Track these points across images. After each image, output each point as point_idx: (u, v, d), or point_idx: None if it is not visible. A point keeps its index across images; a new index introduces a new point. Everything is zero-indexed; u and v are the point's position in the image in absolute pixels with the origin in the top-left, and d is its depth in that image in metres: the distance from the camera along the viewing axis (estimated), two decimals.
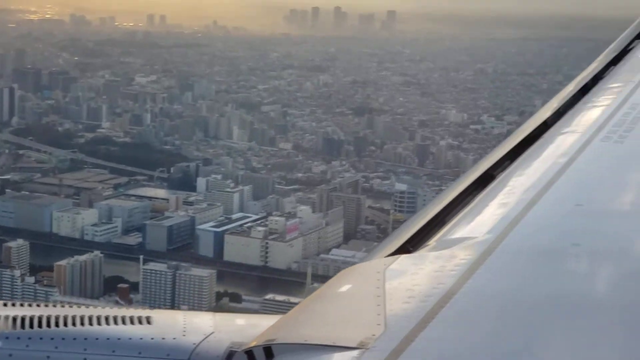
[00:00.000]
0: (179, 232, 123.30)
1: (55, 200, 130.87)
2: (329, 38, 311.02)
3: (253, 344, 4.31)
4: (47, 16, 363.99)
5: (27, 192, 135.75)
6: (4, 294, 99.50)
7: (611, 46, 10.88)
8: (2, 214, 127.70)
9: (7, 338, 4.73)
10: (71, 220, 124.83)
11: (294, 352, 3.93)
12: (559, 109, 7.63)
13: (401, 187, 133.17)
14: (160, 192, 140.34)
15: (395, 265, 4.34)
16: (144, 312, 5.04)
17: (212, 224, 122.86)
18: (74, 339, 4.75)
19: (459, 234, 4.76)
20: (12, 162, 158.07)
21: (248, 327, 4.86)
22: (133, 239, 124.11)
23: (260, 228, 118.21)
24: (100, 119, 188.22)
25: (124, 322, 4.87)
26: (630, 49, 10.37)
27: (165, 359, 4.72)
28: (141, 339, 4.79)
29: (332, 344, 3.79)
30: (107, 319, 4.89)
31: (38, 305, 5.04)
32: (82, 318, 4.88)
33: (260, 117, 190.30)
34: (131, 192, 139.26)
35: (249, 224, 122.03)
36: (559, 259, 4.26)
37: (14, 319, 4.81)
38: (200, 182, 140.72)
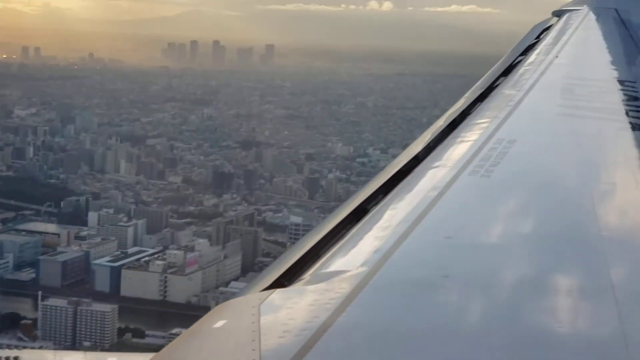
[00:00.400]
0: (73, 267, 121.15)
1: None
2: (209, 71, 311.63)
3: None
4: None
5: None
6: None
7: (478, 83, 11.43)
8: None
9: None
10: None
11: None
12: (429, 143, 7.80)
13: (296, 219, 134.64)
14: (51, 227, 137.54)
15: (270, 300, 4.35)
16: (11, 353, 4.91)
17: (107, 258, 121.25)
18: None
19: (333, 267, 4.81)
20: None
21: None
22: (26, 275, 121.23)
23: (158, 262, 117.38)
24: None
25: None
26: (496, 86, 10.80)
27: None
28: None
29: None
30: None
31: None
32: None
33: (146, 150, 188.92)
34: (21, 227, 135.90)
35: (146, 258, 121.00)
36: (429, 291, 4.38)
37: None
38: (92, 216, 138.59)
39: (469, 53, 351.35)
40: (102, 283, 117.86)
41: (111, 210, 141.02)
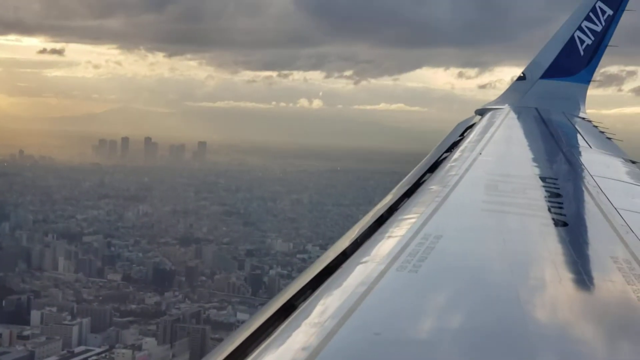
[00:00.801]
0: None
1: None
2: (141, 168, 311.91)
3: None
4: None
5: None
6: None
7: (404, 179, 11.65)
8: None
9: None
10: None
11: None
12: (357, 239, 7.83)
13: (243, 317, 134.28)
14: None
15: None
16: None
17: (54, 358, 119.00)
18: None
19: None
20: None
21: None
22: None
23: None
24: None
25: None
26: (422, 182, 10.97)
27: None
28: None
29: None
30: None
31: None
32: None
33: (83, 247, 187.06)
34: None
35: (94, 358, 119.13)
36: None
37: None
38: (35, 315, 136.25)
39: (398, 150, 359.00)
40: None
41: (54, 309, 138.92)
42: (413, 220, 7.92)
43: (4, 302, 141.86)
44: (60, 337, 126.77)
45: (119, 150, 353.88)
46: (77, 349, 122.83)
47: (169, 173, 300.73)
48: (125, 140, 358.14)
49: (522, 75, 23.32)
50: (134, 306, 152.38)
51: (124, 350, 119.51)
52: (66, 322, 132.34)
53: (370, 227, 8.21)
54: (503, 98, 22.79)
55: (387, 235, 7.51)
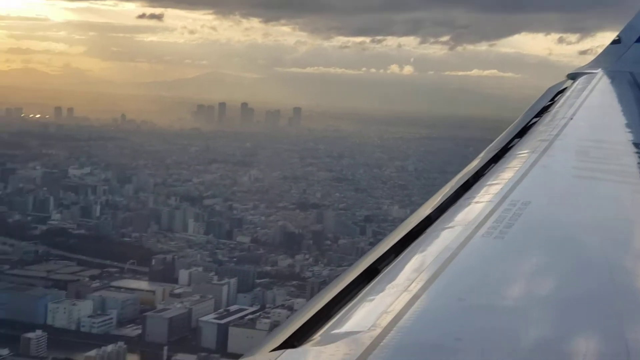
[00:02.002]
0: (178, 324, 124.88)
1: (49, 291, 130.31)
2: (239, 133, 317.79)
3: None
4: None
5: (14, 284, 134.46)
6: None
7: (492, 144, 11.33)
8: None
9: None
10: (67, 312, 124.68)
11: None
12: (442, 204, 7.70)
13: None
14: (143, 284, 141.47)
15: None
16: None
17: (213, 315, 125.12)
18: None
19: (343, 328, 4.75)
20: None
21: None
22: (131, 331, 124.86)
23: (264, 320, 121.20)
24: (48, 210, 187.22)
25: None
26: (510, 147, 10.74)
27: None
28: None
29: None
30: None
31: None
32: None
33: (207, 210, 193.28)
34: (115, 284, 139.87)
35: (249, 316, 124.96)
36: (441, 354, 4.33)
37: None
38: (183, 274, 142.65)
39: (490, 117, 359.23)
40: (208, 340, 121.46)
41: (200, 269, 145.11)
42: (500, 186, 7.86)
43: (153, 260, 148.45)
44: (212, 296, 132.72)
45: (216, 115, 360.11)
46: (232, 308, 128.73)
47: (267, 139, 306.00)
48: (222, 105, 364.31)
49: (617, 38, 22.56)
50: (268, 268, 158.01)
51: (280, 310, 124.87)
52: (215, 282, 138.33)
53: (455, 192, 8.12)
54: (596, 62, 22.09)
55: (473, 200, 7.48)
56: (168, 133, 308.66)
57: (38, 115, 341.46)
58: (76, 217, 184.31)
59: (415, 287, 5.11)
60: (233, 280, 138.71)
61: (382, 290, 5.25)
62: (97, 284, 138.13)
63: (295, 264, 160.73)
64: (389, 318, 4.63)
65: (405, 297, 4.95)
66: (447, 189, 8.47)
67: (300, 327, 5.00)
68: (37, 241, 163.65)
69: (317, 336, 4.77)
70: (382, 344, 4.31)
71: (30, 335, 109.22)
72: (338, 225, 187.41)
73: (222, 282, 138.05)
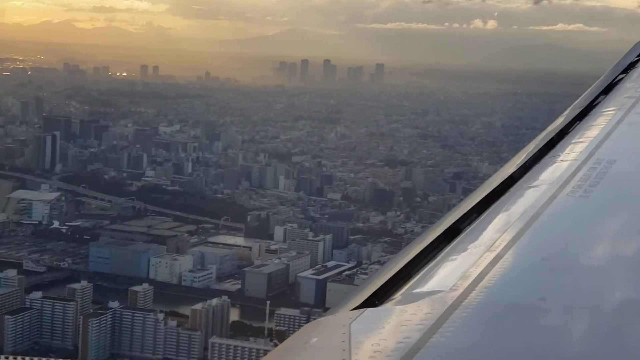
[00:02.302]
0: (276, 279, 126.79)
1: (150, 246, 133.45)
2: (322, 90, 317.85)
3: None
4: (37, 65, 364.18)
5: (112, 239, 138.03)
6: (148, 337, 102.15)
7: (577, 101, 11.08)
8: (97, 259, 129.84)
9: None
10: (169, 267, 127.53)
11: None
12: (525, 163, 7.56)
13: None
14: (239, 240, 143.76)
15: (360, 319, 4.32)
16: None
17: (311, 271, 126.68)
18: None
19: (425, 287, 4.71)
20: (74, 209, 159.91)
21: None
22: (230, 285, 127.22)
23: (363, 276, 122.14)
24: (141, 167, 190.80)
25: None
26: (595, 105, 10.56)
27: None
28: None
29: None
30: None
31: None
32: None
33: (296, 167, 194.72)
34: (212, 239, 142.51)
35: (347, 272, 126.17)
36: (525, 314, 4.24)
37: None
38: (278, 231, 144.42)
39: (575, 72, 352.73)
40: (306, 295, 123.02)
41: (295, 225, 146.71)
42: (585, 144, 7.70)
43: (248, 217, 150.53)
44: (309, 252, 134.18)
45: (298, 72, 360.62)
46: (329, 264, 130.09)
47: (350, 95, 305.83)
48: (304, 62, 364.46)
49: None
50: (360, 224, 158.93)
51: (376, 267, 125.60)
52: (310, 238, 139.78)
53: (539, 150, 7.94)
54: None
55: (557, 159, 7.35)
56: (251, 90, 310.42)
57: (124, 74, 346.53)
58: (169, 173, 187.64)
59: (498, 247, 5.06)
60: (328, 237, 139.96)
61: (464, 249, 5.20)
62: (196, 240, 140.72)
63: (387, 221, 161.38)
64: (471, 278, 4.61)
65: (488, 257, 4.91)
66: (532, 147, 8.18)
67: (381, 287, 4.92)
68: (133, 197, 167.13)
69: (398, 295, 4.77)
70: (463, 303, 4.30)
71: (137, 288, 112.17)
72: (427, 182, 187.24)
73: (318, 238, 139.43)
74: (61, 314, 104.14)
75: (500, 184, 6.91)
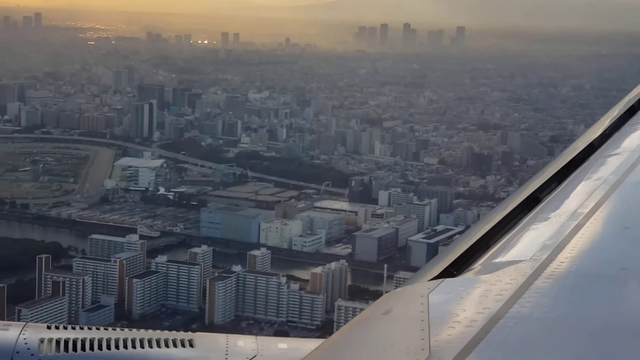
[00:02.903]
0: (386, 243, 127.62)
1: (260, 212, 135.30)
2: (403, 55, 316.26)
3: None
4: (119, 34, 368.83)
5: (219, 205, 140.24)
6: (271, 300, 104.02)
7: None
8: (208, 225, 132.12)
9: None
10: (279, 231, 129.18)
11: None
12: (606, 131, 7.40)
13: None
14: (344, 205, 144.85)
15: (439, 289, 4.32)
16: (186, 335, 5.07)
17: (421, 235, 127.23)
18: None
19: (504, 257, 4.69)
20: (177, 176, 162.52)
21: (291, 350, 4.96)
22: (340, 249, 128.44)
23: None
24: (236, 134, 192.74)
25: (166, 345, 4.93)
26: None
27: None
28: None
29: None
30: (150, 341, 4.94)
31: (82, 329, 5.10)
32: (125, 341, 4.93)
33: (388, 132, 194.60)
34: (317, 204, 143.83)
35: (457, 236, 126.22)
36: (606, 283, 4.16)
37: (58, 342, 4.88)
38: (382, 195, 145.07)
39: None
40: (417, 259, 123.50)
41: (399, 190, 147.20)
42: None
43: (352, 182, 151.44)
44: (416, 216, 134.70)
45: (378, 37, 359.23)
46: (439, 228, 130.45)
47: (433, 60, 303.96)
48: (384, 27, 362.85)
49: None
50: (461, 189, 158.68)
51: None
52: (416, 202, 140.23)
53: (621, 117, 7.68)
54: None
55: (638, 126, 7.07)
56: (333, 56, 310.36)
57: (205, 42, 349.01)
58: (264, 140, 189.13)
59: (578, 216, 4.95)
60: (433, 201, 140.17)
61: (544, 219, 5.11)
62: (303, 205, 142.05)
63: (487, 185, 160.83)
64: (551, 247, 4.53)
65: (568, 226, 4.81)
66: (612, 115, 8.04)
67: (460, 256, 4.91)
68: (233, 164, 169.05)
69: (477, 265, 4.74)
70: (544, 273, 4.23)
71: (255, 252, 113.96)
72: (524, 146, 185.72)
73: (424, 202, 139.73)
74: (186, 277, 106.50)
75: (580, 152, 6.81)
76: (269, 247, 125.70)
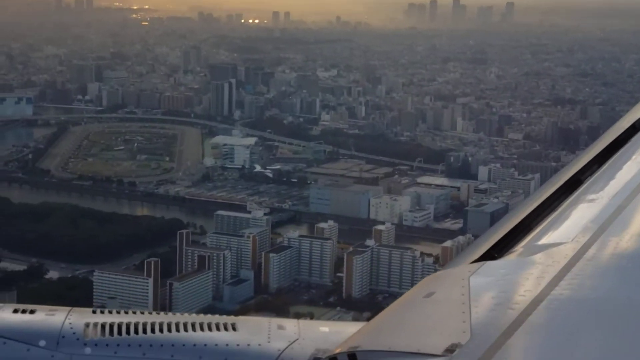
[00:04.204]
0: (498, 218, 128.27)
1: (368, 188, 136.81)
2: (456, 30, 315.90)
3: (337, 350, 4.34)
4: (168, 14, 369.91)
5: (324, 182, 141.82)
6: (405, 274, 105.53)
7: None
8: (317, 201, 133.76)
9: (96, 345, 4.84)
10: (389, 207, 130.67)
11: (378, 359, 3.98)
12: None
13: None
14: (444, 181, 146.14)
15: (480, 272, 4.30)
16: (229, 319, 5.12)
17: None
18: (161, 345, 4.85)
19: (545, 240, 4.67)
20: (269, 153, 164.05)
21: (332, 333, 4.93)
22: (450, 224, 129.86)
23: None
24: (314, 111, 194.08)
25: (209, 329, 4.98)
26: None
27: None
28: (227, 345, 4.87)
29: (416, 351, 3.80)
30: (193, 325, 4.98)
31: (126, 312, 5.16)
32: (169, 325, 4.98)
33: (467, 108, 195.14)
34: (420, 180, 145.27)
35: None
36: None
37: (103, 326, 4.94)
38: (482, 171, 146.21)
39: None
40: None
41: (497, 165, 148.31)
42: None
43: (451, 158, 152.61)
44: (522, 191, 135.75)
45: (427, 13, 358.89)
46: None
47: (486, 35, 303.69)
48: (433, 3, 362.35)
49: None
50: (553, 164, 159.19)
51: None
52: (519, 177, 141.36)
53: None
54: None
55: None
56: (386, 33, 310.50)
57: (257, 21, 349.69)
58: (345, 117, 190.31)
59: (619, 199, 4.96)
60: (537, 175, 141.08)
61: (585, 201, 5.11)
62: (406, 181, 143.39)
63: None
64: (592, 230, 4.52)
65: (610, 209, 4.82)
66: None
67: (501, 239, 4.92)
68: (321, 141, 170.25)
69: (519, 248, 4.74)
70: (585, 255, 4.24)
71: (380, 227, 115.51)
72: (605, 120, 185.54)
73: (527, 177, 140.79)
74: (318, 251, 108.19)
75: (622, 133, 6.72)
76: (379, 223, 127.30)
